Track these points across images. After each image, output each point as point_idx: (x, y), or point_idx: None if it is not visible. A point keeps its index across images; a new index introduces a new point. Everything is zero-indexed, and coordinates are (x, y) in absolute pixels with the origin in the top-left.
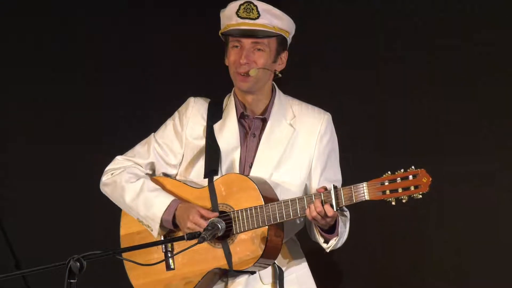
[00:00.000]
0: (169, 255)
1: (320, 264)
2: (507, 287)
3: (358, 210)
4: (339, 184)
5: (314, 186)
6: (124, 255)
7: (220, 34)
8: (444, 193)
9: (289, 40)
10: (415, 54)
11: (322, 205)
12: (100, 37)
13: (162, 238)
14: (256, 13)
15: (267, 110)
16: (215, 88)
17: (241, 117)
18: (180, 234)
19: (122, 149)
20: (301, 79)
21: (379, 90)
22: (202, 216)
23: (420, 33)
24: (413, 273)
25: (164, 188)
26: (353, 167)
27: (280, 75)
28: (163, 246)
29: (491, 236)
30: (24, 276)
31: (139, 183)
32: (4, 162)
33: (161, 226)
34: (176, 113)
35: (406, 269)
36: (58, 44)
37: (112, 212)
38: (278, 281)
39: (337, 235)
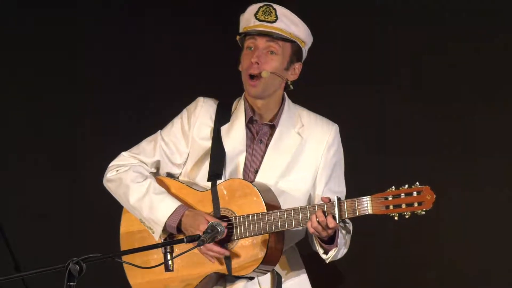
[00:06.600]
0: (169, 256)
1: (319, 269)
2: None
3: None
4: (342, 196)
5: (318, 196)
6: (124, 257)
7: (237, 38)
8: (448, 194)
9: (304, 52)
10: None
11: (325, 216)
12: (100, 37)
13: (162, 241)
14: (274, 16)
15: (276, 117)
16: (222, 92)
17: (249, 122)
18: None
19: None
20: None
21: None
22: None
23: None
24: (413, 280)
25: (168, 190)
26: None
27: (291, 86)
28: (163, 248)
29: (495, 237)
30: (24, 278)
31: (146, 184)
32: (4, 163)
33: (164, 230)
34: (184, 111)
35: (406, 276)
36: (57, 45)
37: (112, 215)
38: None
39: (336, 246)
